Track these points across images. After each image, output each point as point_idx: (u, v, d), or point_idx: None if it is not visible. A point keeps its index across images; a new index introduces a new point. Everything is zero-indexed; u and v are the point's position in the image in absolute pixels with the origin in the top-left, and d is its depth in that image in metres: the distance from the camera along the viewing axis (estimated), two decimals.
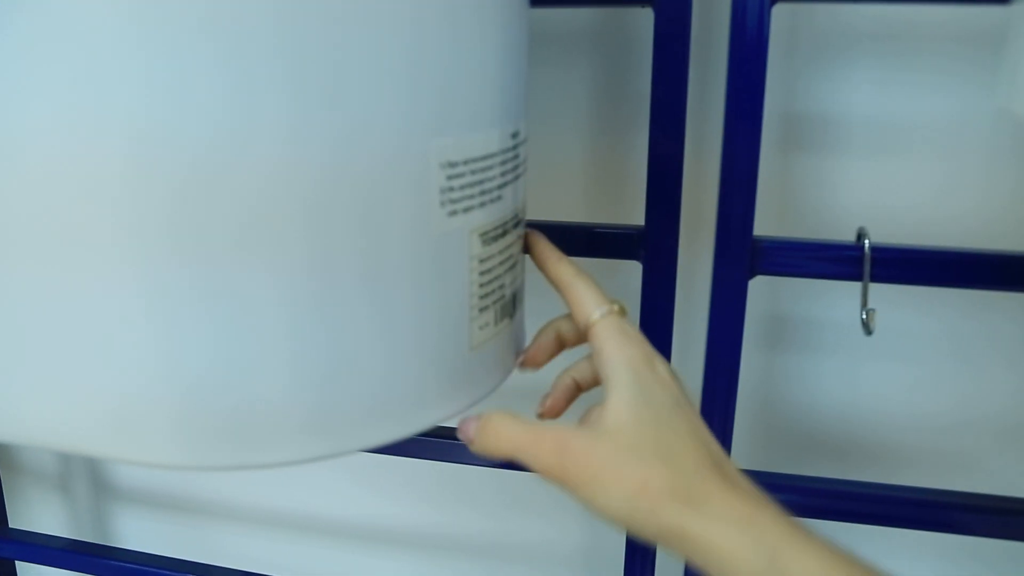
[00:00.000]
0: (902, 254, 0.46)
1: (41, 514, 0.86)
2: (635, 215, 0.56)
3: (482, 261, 0.33)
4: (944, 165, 0.54)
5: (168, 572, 0.68)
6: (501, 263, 0.34)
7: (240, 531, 0.81)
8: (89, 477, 0.84)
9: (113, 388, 0.28)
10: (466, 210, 0.31)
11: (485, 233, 0.33)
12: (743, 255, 0.46)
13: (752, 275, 0.47)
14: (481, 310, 0.33)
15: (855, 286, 0.46)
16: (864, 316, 0.45)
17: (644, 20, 0.53)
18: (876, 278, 0.46)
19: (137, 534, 0.85)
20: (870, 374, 0.59)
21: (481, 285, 0.33)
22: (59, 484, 0.85)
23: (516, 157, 0.34)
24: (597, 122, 0.57)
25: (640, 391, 0.31)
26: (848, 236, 0.47)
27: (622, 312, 0.34)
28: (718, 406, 0.48)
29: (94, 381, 0.29)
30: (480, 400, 0.34)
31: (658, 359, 0.33)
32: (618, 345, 0.32)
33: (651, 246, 0.48)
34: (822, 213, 0.56)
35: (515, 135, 0.34)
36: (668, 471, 0.28)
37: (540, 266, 0.37)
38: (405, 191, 0.29)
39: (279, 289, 0.28)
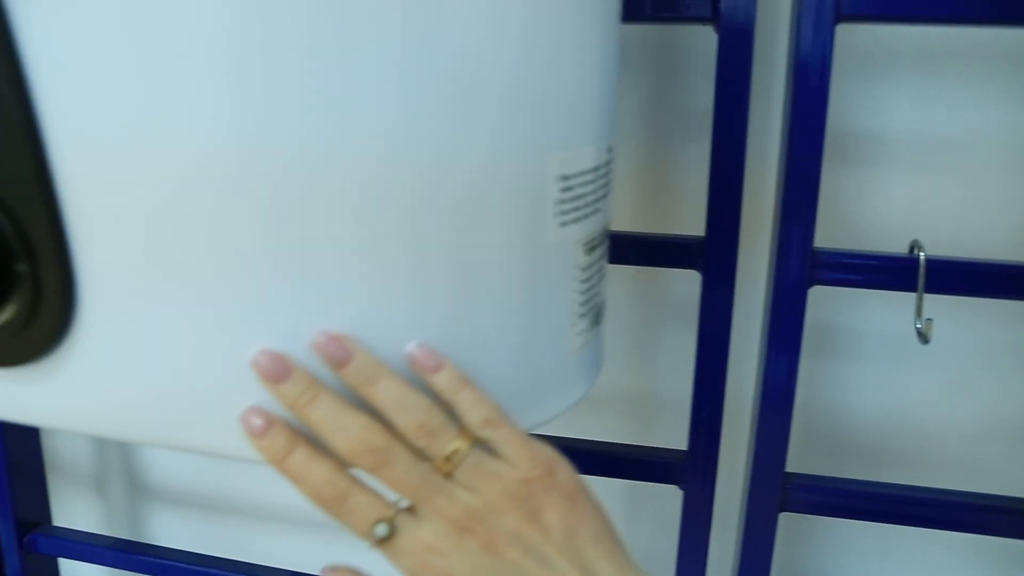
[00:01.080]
0: (955, 266, 0.48)
1: (77, 512, 0.87)
2: (684, 225, 0.58)
3: (583, 270, 0.34)
4: (971, 178, 0.56)
5: (210, 570, 0.69)
6: (596, 272, 0.36)
7: (274, 530, 0.82)
8: (125, 476, 0.85)
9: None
10: (574, 221, 0.33)
11: (587, 243, 0.34)
12: (803, 266, 0.47)
13: (810, 285, 0.48)
14: (580, 316, 0.35)
15: (887, 296, 0.48)
16: (921, 326, 0.47)
17: (701, 35, 0.55)
18: (929, 289, 0.47)
19: (171, 532, 0.86)
20: (902, 381, 0.60)
21: (581, 292, 0.34)
22: (95, 483, 0.86)
23: (609, 171, 0.36)
24: (653, 134, 0.59)
25: None
26: (883, 246, 0.50)
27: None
28: (776, 413, 0.50)
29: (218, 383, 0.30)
30: (576, 403, 0.36)
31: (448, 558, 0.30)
32: (408, 570, 0.30)
33: (711, 256, 0.50)
34: (861, 224, 0.58)
35: (610, 149, 0.36)
36: None
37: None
38: (526, 203, 0.30)
39: (411, 298, 0.29)
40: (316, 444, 0.30)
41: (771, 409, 0.50)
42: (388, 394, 0.30)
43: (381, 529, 0.30)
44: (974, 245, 0.55)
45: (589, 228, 0.34)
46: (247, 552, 0.73)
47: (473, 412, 0.30)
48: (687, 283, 0.55)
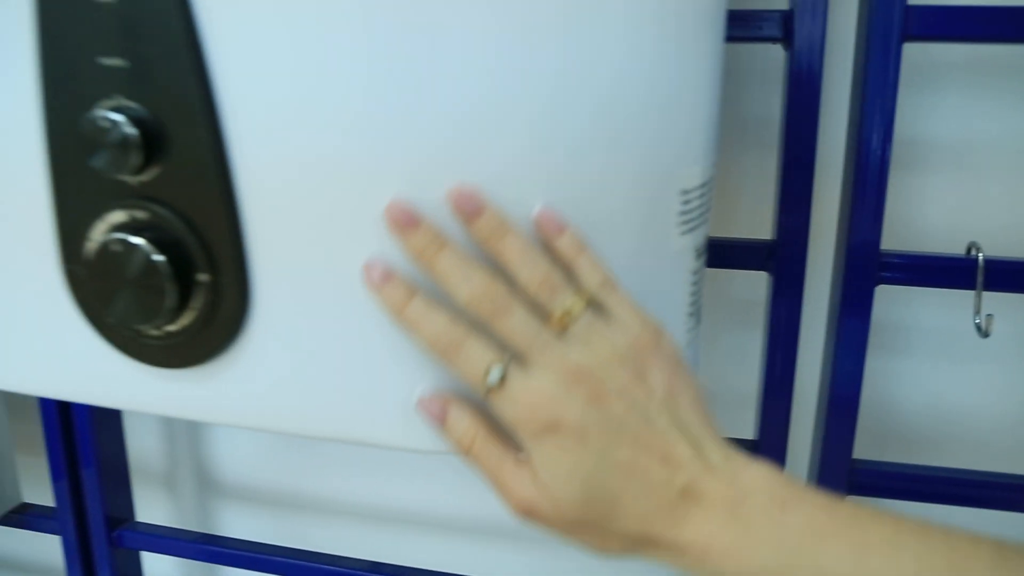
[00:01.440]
0: (1010, 265, 0.51)
1: (148, 509, 0.91)
2: (741, 228, 0.61)
3: (693, 273, 0.38)
4: (1017, 181, 0.59)
5: (286, 560, 0.73)
6: (701, 276, 0.39)
7: (339, 524, 0.86)
8: (194, 473, 0.89)
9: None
10: (690, 231, 0.36)
11: (697, 250, 0.38)
12: (871, 267, 0.51)
13: (876, 284, 0.52)
14: (689, 315, 0.39)
15: (939, 293, 0.52)
16: (980, 321, 0.50)
17: (759, 49, 0.59)
18: (987, 287, 0.51)
19: (238, 527, 0.90)
20: (954, 374, 0.64)
21: (691, 294, 0.38)
22: (164, 480, 0.90)
23: (714, 185, 0.40)
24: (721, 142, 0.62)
25: (552, 468, 0.31)
26: (930, 247, 0.53)
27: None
28: (844, 409, 0.54)
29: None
30: None
31: (560, 402, 0.31)
32: (513, 414, 0.31)
33: (781, 258, 0.53)
34: (909, 226, 0.61)
35: (715, 164, 0.39)
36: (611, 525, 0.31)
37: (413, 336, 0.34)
38: (658, 214, 0.34)
39: None
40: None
41: (839, 402, 0.54)
42: (513, 249, 0.31)
43: (495, 373, 0.31)
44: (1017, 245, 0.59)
45: (699, 236, 0.38)
46: (313, 546, 0.76)
47: (590, 274, 0.32)
48: (747, 283, 0.58)
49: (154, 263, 0.33)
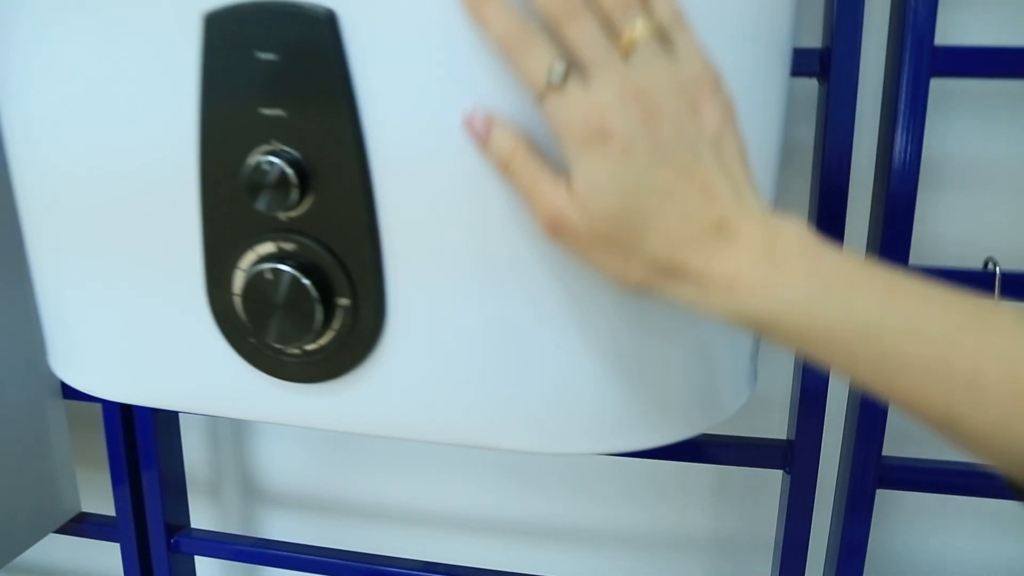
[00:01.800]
0: None
1: (194, 515, 0.94)
2: None
3: None
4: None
5: (336, 561, 0.76)
6: None
7: (383, 529, 0.90)
8: (239, 481, 0.92)
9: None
10: None
11: None
12: None
13: None
14: None
15: None
16: None
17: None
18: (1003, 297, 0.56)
19: (282, 532, 0.93)
20: None
21: None
22: (210, 488, 0.93)
23: None
24: None
25: (592, 180, 0.31)
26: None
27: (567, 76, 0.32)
28: (875, 406, 0.59)
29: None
30: (743, 407, 0.44)
31: (617, 115, 0.31)
32: (566, 123, 0.32)
33: None
34: (922, 241, 0.67)
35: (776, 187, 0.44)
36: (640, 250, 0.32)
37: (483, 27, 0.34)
38: None
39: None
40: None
41: (871, 403, 0.59)
42: None
43: (557, 71, 0.31)
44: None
45: None
46: (356, 549, 0.80)
47: (665, 8, 0.32)
48: None
49: (303, 289, 0.37)
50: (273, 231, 0.38)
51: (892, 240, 0.56)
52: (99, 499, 0.83)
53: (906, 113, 0.54)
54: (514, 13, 0.32)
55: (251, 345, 0.40)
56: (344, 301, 0.38)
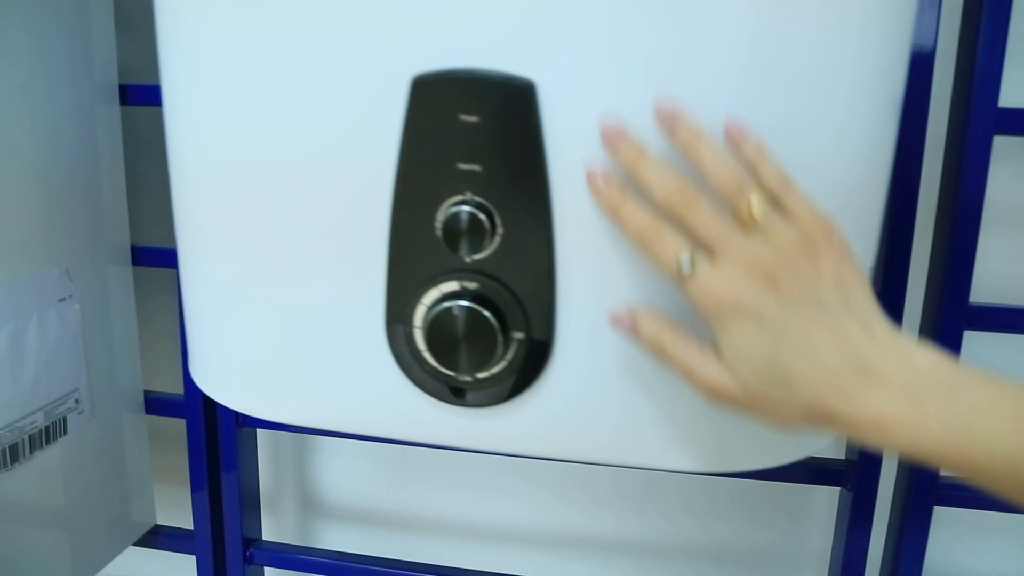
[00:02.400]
0: None
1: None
2: None
3: None
4: None
5: (397, 571, 0.80)
6: None
7: (442, 543, 0.93)
8: (298, 495, 0.95)
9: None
10: None
11: None
12: (961, 316, 0.62)
13: (967, 329, 0.63)
14: None
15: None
16: None
17: None
18: None
19: (339, 545, 0.97)
20: None
21: None
22: (268, 502, 0.96)
23: None
24: None
25: (736, 349, 0.36)
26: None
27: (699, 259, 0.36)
28: None
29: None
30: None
31: (746, 286, 0.35)
32: (702, 297, 0.36)
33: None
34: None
35: None
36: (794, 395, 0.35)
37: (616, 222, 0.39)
38: None
39: None
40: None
41: None
42: (709, 153, 0.36)
43: (685, 260, 0.36)
44: None
45: None
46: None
47: (772, 175, 0.36)
48: None
49: (487, 324, 0.42)
50: (458, 271, 0.42)
51: (952, 280, 0.62)
52: (171, 514, 0.86)
53: (970, 167, 0.60)
54: (645, 209, 0.37)
55: (423, 373, 0.45)
56: (519, 335, 0.43)
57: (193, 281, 0.50)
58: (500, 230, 0.41)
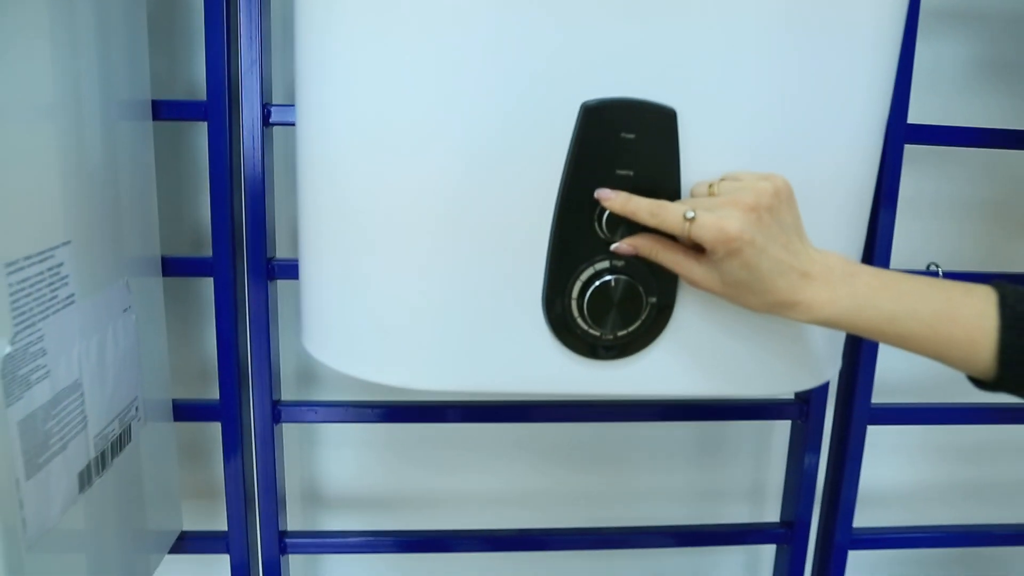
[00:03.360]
0: (961, 276, 0.85)
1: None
2: None
3: None
4: None
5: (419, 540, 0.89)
6: None
7: (439, 515, 1.02)
8: (300, 486, 1.00)
9: None
10: None
11: None
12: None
13: None
14: None
15: None
16: None
17: None
18: None
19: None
20: None
21: None
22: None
23: None
24: None
25: (732, 268, 0.50)
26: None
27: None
28: (868, 366, 0.85)
29: None
30: (827, 379, 0.67)
31: (739, 229, 0.48)
32: (710, 239, 0.49)
33: None
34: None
35: None
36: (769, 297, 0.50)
37: (626, 212, 0.52)
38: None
39: None
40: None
41: (863, 357, 0.85)
42: (645, 205, 0.51)
43: (689, 212, 0.49)
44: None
45: None
46: None
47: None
48: None
49: (637, 292, 0.54)
50: (608, 252, 0.54)
51: (880, 252, 0.83)
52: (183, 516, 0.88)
53: (888, 172, 0.81)
54: (649, 201, 0.51)
55: (574, 335, 0.56)
56: (652, 299, 0.56)
57: (354, 270, 0.57)
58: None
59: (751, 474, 1.04)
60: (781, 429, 1.00)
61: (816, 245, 0.53)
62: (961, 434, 1.02)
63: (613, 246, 0.53)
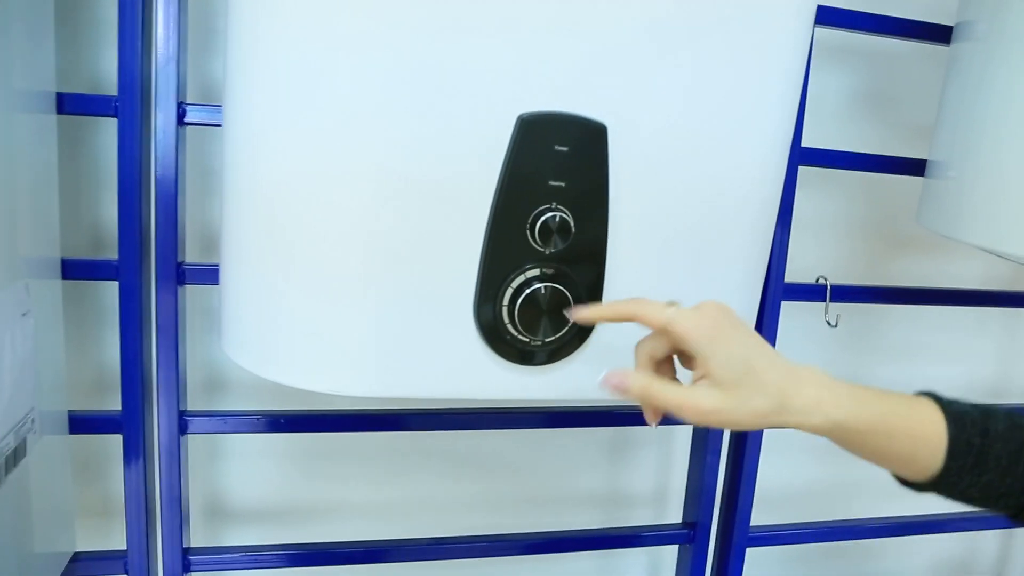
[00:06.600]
0: (845, 287, 0.93)
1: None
2: None
3: None
4: None
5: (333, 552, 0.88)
6: None
7: (342, 526, 1.01)
8: (200, 499, 0.96)
9: None
10: None
11: None
12: (779, 290, 0.89)
13: (783, 301, 0.90)
14: None
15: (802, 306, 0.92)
16: (830, 319, 0.91)
17: None
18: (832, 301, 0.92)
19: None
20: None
21: None
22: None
23: None
24: None
25: (725, 358, 0.47)
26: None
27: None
28: None
29: None
30: None
31: (716, 319, 0.48)
32: (694, 327, 0.48)
33: None
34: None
35: None
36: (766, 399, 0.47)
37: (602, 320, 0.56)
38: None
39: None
40: None
41: None
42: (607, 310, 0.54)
43: (672, 309, 0.49)
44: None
45: None
46: None
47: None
48: None
49: (565, 299, 0.56)
50: (538, 260, 0.56)
51: (776, 266, 0.88)
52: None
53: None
54: (625, 303, 0.52)
55: (504, 341, 0.58)
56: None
57: (281, 273, 0.57)
58: (573, 230, 0.56)
59: (655, 478, 1.09)
60: (683, 433, 1.05)
61: (729, 261, 0.56)
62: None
63: (600, 380, 0.50)
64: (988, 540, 1.26)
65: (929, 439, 0.48)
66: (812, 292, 0.92)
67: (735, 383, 0.47)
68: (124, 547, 0.80)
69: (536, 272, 0.57)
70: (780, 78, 0.60)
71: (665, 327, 0.49)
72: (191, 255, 0.82)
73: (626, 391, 0.49)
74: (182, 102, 0.74)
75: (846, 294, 0.93)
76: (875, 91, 1.02)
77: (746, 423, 0.48)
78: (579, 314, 0.54)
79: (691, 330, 0.48)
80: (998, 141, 0.71)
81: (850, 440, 0.49)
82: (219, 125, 0.64)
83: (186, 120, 0.74)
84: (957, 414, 0.49)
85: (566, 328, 0.58)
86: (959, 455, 0.48)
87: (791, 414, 0.47)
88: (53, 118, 0.72)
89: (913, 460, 0.49)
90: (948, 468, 0.48)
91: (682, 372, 0.53)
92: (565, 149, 0.54)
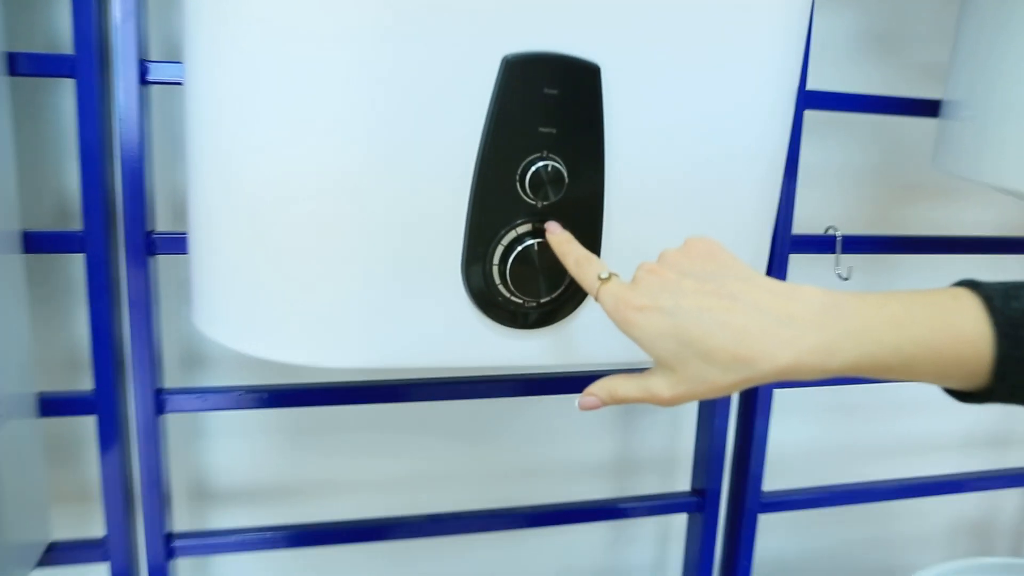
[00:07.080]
0: (855, 238, 0.88)
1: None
2: None
3: None
4: None
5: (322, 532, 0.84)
6: None
7: (331, 504, 0.97)
8: (188, 483, 0.92)
9: None
10: None
11: None
12: (787, 241, 0.84)
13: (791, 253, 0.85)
14: None
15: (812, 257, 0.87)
16: (841, 272, 0.86)
17: None
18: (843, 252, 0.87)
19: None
20: None
21: None
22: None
23: None
24: None
25: (652, 338, 0.42)
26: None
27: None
28: None
29: None
30: None
31: (647, 290, 0.43)
32: (613, 309, 0.44)
33: None
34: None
35: None
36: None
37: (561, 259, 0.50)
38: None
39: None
40: None
41: None
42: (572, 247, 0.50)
43: (604, 273, 0.45)
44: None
45: None
46: None
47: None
48: None
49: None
50: (530, 214, 0.51)
51: (783, 218, 0.84)
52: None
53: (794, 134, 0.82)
54: (581, 248, 0.49)
55: (497, 304, 0.53)
56: None
57: (254, 239, 0.52)
58: (567, 180, 0.51)
59: (665, 444, 1.05)
60: None
61: (735, 214, 0.51)
62: (846, 394, 1.06)
63: (579, 400, 0.47)
64: (1008, 500, 1.23)
65: (967, 361, 0.40)
66: (822, 244, 0.87)
67: (678, 361, 0.42)
68: (103, 534, 0.76)
69: (528, 227, 0.52)
70: (785, 13, 0.55)
71: (592, 295, 0.46)
72: (162, 223, 0.77)
73: (597, 405, 0.46)
74: (144, 59, 0.68)
75: (858, 244, 0.89)
76: (883, 30, 0.96)
77: (719, 394, 0.42)
78: (553, 233, 0.51)
79: (611, 312, 0.44)
80: (1021, 75, 0.66)
81: (870, 375, 0.41)
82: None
83: (148, 78, 0.69)
84: (1004, 315, 0.40)
85: (562, 288, 0.53)
86: (1010, 374, 0.40)
87: (768, 375, 0.40)
88: (5, 80, 0.67)
89: (949, 380, 0.42)
90: (994, 389, 0.41)
91: None
92: (555, 92, 0.49)
